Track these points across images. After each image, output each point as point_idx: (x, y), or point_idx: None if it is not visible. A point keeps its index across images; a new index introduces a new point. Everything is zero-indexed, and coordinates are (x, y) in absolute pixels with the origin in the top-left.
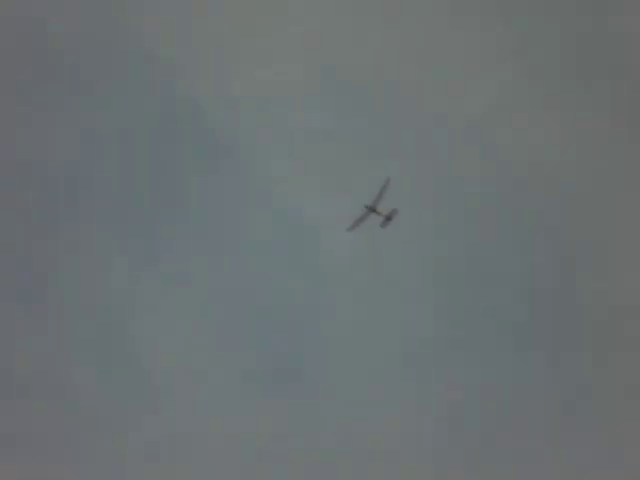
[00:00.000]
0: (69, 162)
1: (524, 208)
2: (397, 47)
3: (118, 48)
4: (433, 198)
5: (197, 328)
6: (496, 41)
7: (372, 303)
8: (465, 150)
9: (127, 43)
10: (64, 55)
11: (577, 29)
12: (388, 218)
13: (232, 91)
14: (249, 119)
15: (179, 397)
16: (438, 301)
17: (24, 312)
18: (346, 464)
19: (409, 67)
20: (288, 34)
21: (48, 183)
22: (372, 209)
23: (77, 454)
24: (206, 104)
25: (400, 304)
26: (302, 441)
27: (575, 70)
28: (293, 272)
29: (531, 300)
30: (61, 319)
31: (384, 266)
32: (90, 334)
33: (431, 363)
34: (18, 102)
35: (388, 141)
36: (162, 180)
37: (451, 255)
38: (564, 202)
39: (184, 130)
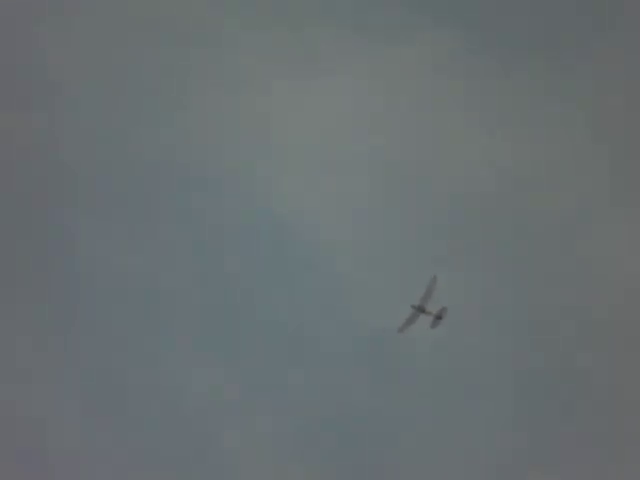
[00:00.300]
0: (148, 273)
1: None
2: (475, 157)
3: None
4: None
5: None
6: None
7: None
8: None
9: None
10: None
11: None
12: (438, 317)
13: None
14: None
15: None
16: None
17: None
18: None
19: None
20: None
21: (130, 294)
22: (421, 309)
23: None
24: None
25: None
26: None
27: None
28: (374, 384)
29: None
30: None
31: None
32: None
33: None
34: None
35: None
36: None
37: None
38: None
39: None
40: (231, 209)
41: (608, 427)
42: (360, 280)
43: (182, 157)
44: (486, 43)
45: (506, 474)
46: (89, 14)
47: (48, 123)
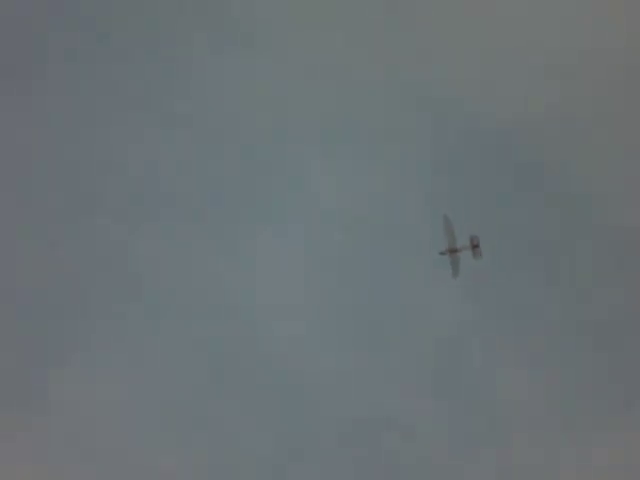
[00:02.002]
0: None
1: None
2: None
3: None
4: None
5: None
6: None
7: None
8: None
9: None
10: None
11: None
12: (475, 246)
13: None
14: None
15: None
16: None
17: None
18: None
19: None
20: None
21: None
22: (453, 250)
23: None
24: None
25: None
26: None
27: None
28: None
29: None
30: None
31: None
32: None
33: None
34: None
35: None
36: None
37: None
38: None
39: None
40: None
41: None
42: None
43: None
44: None
45: None
46: None
47: None
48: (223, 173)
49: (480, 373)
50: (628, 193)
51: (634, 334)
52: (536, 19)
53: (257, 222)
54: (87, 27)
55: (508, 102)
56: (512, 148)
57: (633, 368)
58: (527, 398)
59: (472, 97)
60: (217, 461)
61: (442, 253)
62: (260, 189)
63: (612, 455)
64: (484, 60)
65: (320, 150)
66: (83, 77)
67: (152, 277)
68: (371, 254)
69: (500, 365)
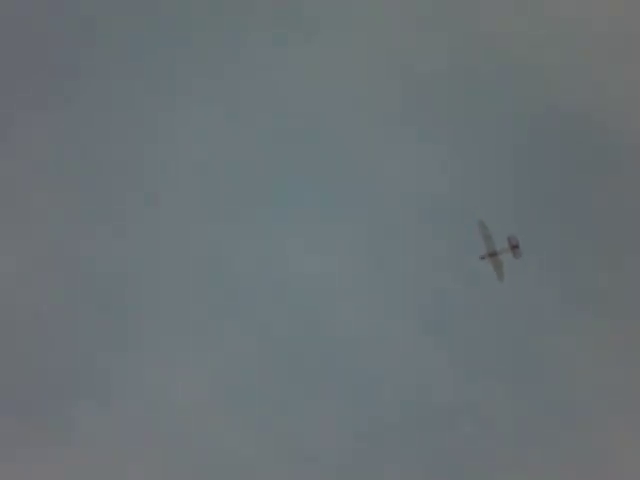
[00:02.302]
0: None
1: None
2: None
3: None
4: None
5: None
6: None
7: None
8: None
9: None
10: None
11: None
12: (515, 246)
13: None
14: None
15: None
16: None
17: None
18: None
19: None
20: None
21: None
22: (493, 254)
23: None
24: None
25: None
26: None
27: None
28: None
29: None
30: None
31: None
32: None
33: None
34: None
35: None
36: None
37: None
38: None
39: None
40: None
41: None
42: None
43: None
44: None
45: None
46: None
47: None
48: (297, 159)
49: (560, 357)
50: None
51: None
52: None
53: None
54: (166, 25)
55: (584, 87)
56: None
57: None
58: (607, 381)
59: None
60: (294, 445)
61: (482, 257)
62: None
63: None
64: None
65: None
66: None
67: (226, 262)
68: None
69: (580, 349)
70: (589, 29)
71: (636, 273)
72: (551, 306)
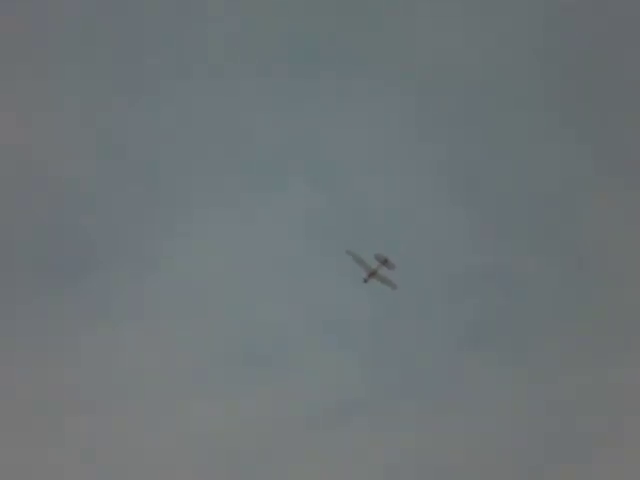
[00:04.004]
0: None
1: None
2: None
3: None
4: None
5: None
6: None
7: None
8: None
9: None
10: None
11: None
12: (385, 261)
13: None
14: None
15: None
16: None
17: None
18: None
19: None
20: None
21: None
22: (372, 273)
23: None
24: None
25: None
26: None
27: None
28: None
29: None
30: None
31: None
32: None
33: None
34: None
35: None
36: None
37: None
38: None
39: None
40: None
41: None
42: None
43: None
44: None
45: None
46: None
47: None
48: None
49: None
50: None
51: None
52: None
53: None
54: None
55: None
56: None
57: None
58: None
59: None
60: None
61: (365, 281)
62: None
63: None
64: None
65: None
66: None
67: None
68: None
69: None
70: None
71: None
72: (584, 164)
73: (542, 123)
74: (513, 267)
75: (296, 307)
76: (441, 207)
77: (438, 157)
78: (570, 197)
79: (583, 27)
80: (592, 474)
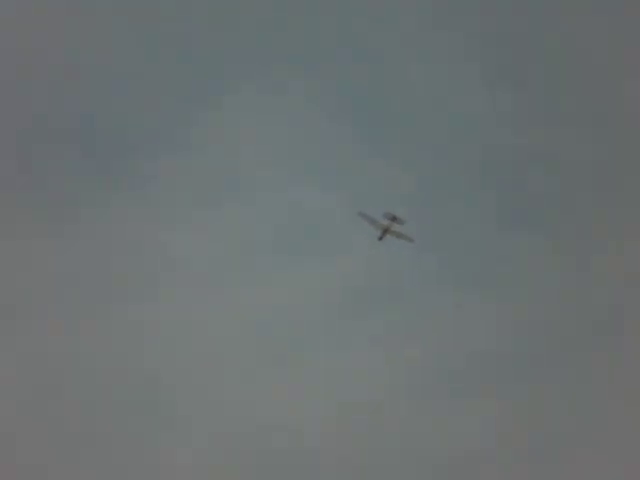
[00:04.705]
0: None
1: None
2: None
3: None
4: None
5: None
6: None
7: None
8: None
9: None
10: None
11: None
12: (394, 218)
13: None
14: None
15: None
16: None
17: None
18: None
19: None
20: None
21: None
22: (385, 230)
23: None
24: None
25: None
26: None
27: None
28: None
29: None
30: None
31: None
32: None
33: None
34: None
35: None
36: None
37: None
38: None
39: None
40: None
41: None
42: None
43: None
44: None
45: None
46: None
47: None
48: None
49: None
50: None
51: None
52: None
53: None
54: None
55: None
56: None
57: None
58: None
59: None
60: None
61: (380, 238)
62: None
63: None
64: None
65: None
66: None
67: None
68: None
69: None
70: None
71: None
72: None
73: None
74: (547, 150)
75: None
76: (477, 90)
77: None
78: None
79: None
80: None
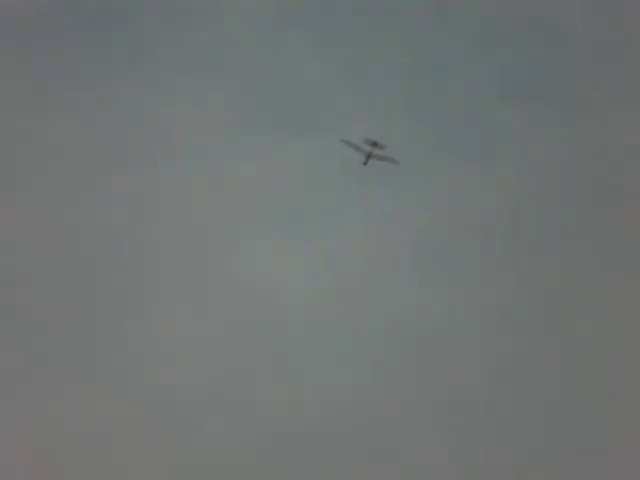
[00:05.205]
0: None
1: None
2: None
3: None
4: None
5: None
6: None
7: None
8: None
9: None
10: None
11: None
12: (374, 144)
13: None
14: None
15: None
16: None
17: None
18: None
19: None
20: None
21: None
22: (369, 155)
23: None
24: None
25: None
26: None
27: None
28: None
29: None
30: None
31: None
32: None
33: None
34: None
35: None
36: None
37: None
38: None
39: None
40: None
41: None
42: None
43: None
44: None
45: None
46: None
47: None
48: None
49: None
50: None
51: None
52: None
53: None
54: None
55: None
56: None
57: None
58: None
59: None
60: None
61: (365, 163)
62: None
63: None
64: None
65: None
66: None
67: None
68: None
69: None
70: None
71: None
72: None
73: None
74: (547, 17)
75: None
76: None
77: None
78: None
79: None
80: None
